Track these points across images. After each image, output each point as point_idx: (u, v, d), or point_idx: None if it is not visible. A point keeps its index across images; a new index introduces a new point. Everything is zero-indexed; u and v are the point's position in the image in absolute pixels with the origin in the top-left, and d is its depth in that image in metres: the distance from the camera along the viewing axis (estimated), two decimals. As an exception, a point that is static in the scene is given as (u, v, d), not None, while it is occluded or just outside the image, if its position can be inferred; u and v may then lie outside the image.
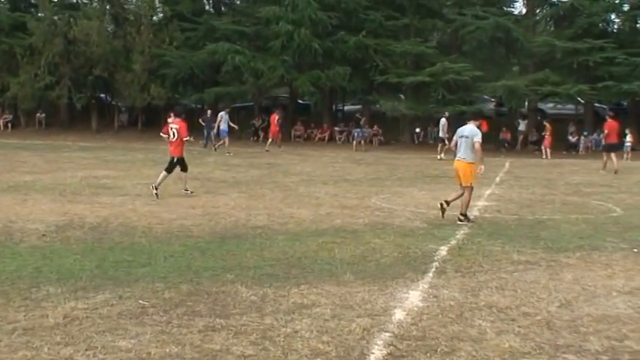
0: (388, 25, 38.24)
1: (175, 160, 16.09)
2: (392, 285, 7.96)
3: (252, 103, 43.65)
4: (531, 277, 8.50)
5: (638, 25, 40.31)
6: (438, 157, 29.24)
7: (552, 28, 40.91)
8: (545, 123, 34.03)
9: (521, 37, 36.49)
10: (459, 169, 13.07)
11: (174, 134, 16.09)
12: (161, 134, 17.99)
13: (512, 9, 42.19)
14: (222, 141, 30.76)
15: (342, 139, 39.59)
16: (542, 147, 33.00)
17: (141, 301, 7.15)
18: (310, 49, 36.65)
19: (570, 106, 41.36)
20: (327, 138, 39.81)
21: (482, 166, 12.99)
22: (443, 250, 10.01)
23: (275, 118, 33.15)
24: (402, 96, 40.46)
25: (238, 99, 43.49)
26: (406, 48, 36.98)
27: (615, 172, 23.28)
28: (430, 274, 8.56)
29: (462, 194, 12.93)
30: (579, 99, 38.85)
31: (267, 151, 30.94)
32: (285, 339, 6.07)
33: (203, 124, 33.99)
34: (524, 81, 35.61)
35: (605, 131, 25.31)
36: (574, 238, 11.18)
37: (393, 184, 19.61)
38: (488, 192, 17.66)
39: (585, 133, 36.74)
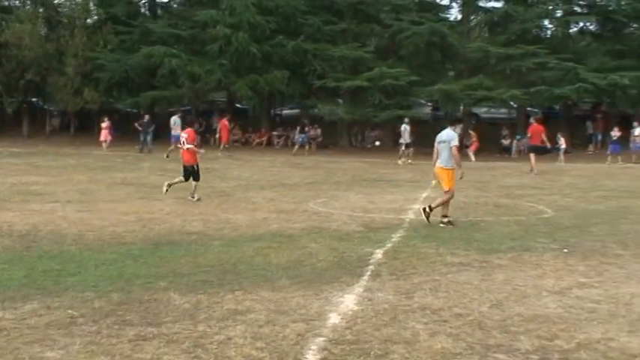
0: (326, 29, 38.40)
1: (191, 168, 16.42)
2: (327, 289, 7.97)
3: (189, 108, 43.32)
4: (464, 278, 8.61)
5: (570, 31, 41.25)
6: (399, 161, 29.45)
7: (487, 34, 41.60)
8: (470, 131, 34.64)
9: (456, 42, 37.05)
10: (438, 175, 13.43)
11: (183, 143, 16.64)
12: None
13: (448, 15, 42.65)
14: (172, 147, 28.52)
15: (281, 143, 39.57)
16: (468, 151, 33.46)
17: (70, 311, 7.01)
18: (248, 53, 36.56)
19: (504, 110, 42.08)
20: (265, 142, 39.72)
21: (462, 171, 13.35)
22: (378, 254, 10.06)
23: (225, 123, 32.97)
24: (340, 100, 40.63)
25: (175, 103, 43.03)
26: (344, 52, 37.15)
27: (531, 172, 24.55)
28: (365, 278, 8.59)
29: (447, 197, 13.19)
30: (512, 103, 39.54)
31: (220, 155, 30.69)
32: (218, 346, 6.02)
33: (140, 128, 33.61)
34: (459, 85, 36.10)
35: (529, 134, 26.76)
36: (506, 240, 11.36)
37: (330, 188, 19.67)
38: (424, 195, 17.86)
39: (518, 137, 37.39)
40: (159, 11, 45.00)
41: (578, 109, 43.04)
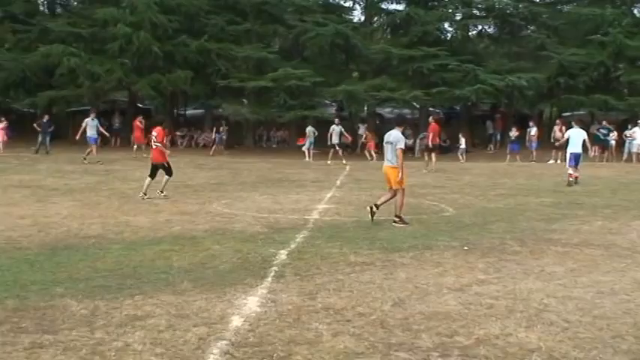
0: (230, 29, 38.21)
1: (157, 165, 16.96)
2: (230, 292, 7.88)
3: (89, 107, 42.31)
4: (367, 277, 8.66)
5: (469, 34, 42.24)
6: (329, 161, 29.58)
7: (389, 36, 42.19)
8: (366, 132, 35.18)
9: (359, 44, 37.49)
10: (387, 174, 13.59)
11: (153, 141, 17.05)
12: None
13: (351, 17, 43.17)
14: (89, 149, 27.51)
15: (184, 143, 39.11)
16: (366, 150, 33.86)
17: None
18: (150, 53, 36.04)
19: (407, 110, 42.76)
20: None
21: (401, 174, 13.32)
22: (282, 254, 10.03)
23: (137, 122, 32.36)
24: (244, 100, 40.49)
25: (74, 103, 42.10)
26: (248, 53, 37.05)
27: (428, 171, 25.39)
28: (269, 279, 8.54)
29: (392, 197, 13.36)
30: (415, 104, 40.21)
31: (134, 157, 30.20)
32: (116, 353, 5.87)
33: (39, 129, 32.61)
34: (363, 86, 36.53)
35: (428, 133, 27.67)
36: (408, 239, 11.49)
37: (234, 189, 19.53)
38: (328, 195, 17.93)
39: (421, 136, 38.01)
40: (58, 9, 43.84)
41: (478, 110, 44.18)
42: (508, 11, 39.50)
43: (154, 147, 17.13)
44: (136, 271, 8.91)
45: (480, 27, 42.41)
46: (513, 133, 33.23)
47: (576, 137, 21.63)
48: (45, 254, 9.95)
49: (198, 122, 42.90)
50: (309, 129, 33.09)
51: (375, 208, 13.25)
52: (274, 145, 40.06)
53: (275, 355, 5.88)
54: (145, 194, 16.59)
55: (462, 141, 34.04)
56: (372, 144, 33.66)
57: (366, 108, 40.86)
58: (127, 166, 25.94)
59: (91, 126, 28.24)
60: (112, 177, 21.95)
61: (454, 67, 35.80)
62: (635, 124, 32.70)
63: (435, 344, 6.22)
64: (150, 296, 7.65)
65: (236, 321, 6.80)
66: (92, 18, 37.59)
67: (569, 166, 21.29)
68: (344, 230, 12.46)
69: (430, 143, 27.13)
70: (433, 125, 27.54)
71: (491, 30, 42.86)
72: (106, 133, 31.35)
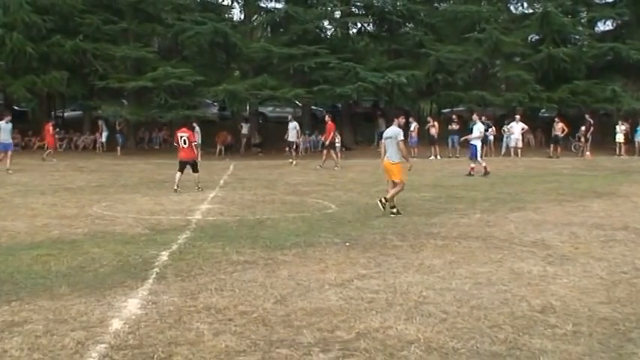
0: (106, 29, 37.33)
1: (189, 162, 19.08)
2: (110, 294, 7.76)
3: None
4: (249, 276, 8.68)
5: (349, 32, 42.75)
6: (293, 161, 29.34)
7: (269, 35, 42.21)
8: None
9: (239, 42, 37.33)
10: (387, 169, 14.47)
11: (184, 142, 18.92)
12: (175, 144, 20.05)
13: (230, 15, 42.96)
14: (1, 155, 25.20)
15: (64, 146, 38.04)
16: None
17: None
18: (24, 53, 34.83)
19: (289, 109, 42.95)
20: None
21: (410, 164, 14.62)
22: (164, 256, 9.93)
23: (49, 127, 31.59)
24: (124, 101, 39.74)
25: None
26: (126, 52, 36.34)
27: (336, 167, 26.39)
28: (150, 281, 8.45)
29: (399, 188, 14.28)
30: (297, 102, 40.43)
31: (43, 159, 29.83)
32: (-9, 360, 5.71)
33: None
34: (245, 85, 36.40)
35: (326, 132, 28.19)
36: (291, 236, 11.58)
37: (116, 191, 19.18)
38: (211, 195, 17.86)
39: (308, 132, 38.40)
40: None
41: (359, 107, 44.75)
42: (386, 9, 40.04)
43: (183, 146, 18.94)
44: (13, 277, 8.64)
45: (359, 25, 42.85)
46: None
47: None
48: None
49: (76, 124, 41.77)
50: (197, 129, 32.83)
51: (384, 201, 14.07)
52: (157, 146, 39.48)
53: (155, 356, 5.83)
54: (178, 187, 18.55)
55: (338, 138, 34.44)
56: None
57: (248, 107, 40.78)
58: (3, 171, 25.01)
59: (5, 130, 25.32)
60: (-14, 182, 21.16)
61: (335, 65, 36.13)
62: (513, 119, 34.00)
63: (317, 339, 6.29)
64: (27, 302, 7.44)
65: (116, 324, 6.70)
66: (-37, 19, 36.04)
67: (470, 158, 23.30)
68: (227, 230, 12.44)
69: (328, 141, 27.69)
70: (330, 124, 27.93)
71: (370, 28, 43.41)
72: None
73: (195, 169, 19.20)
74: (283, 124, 39.87)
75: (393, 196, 14.25)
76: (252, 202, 16.50)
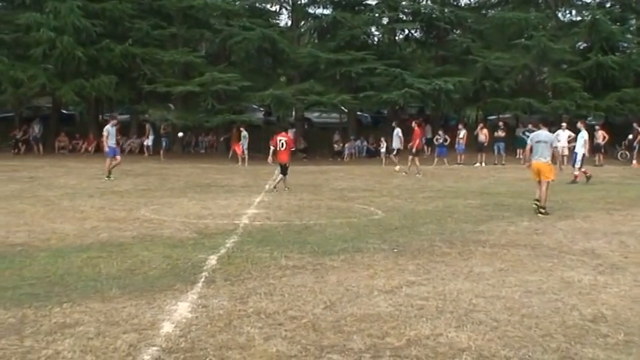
0: (155, 34, 37.75)
1: (285, 165, 20.43)
2: (160, 298, 7.79)
3: (12, 114, 41.40)
4: (298, 281, 8.66)
5: (396, 38, 42.67)
6: (396, 167, 28.68)
7: (316, 40, 42.31)
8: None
9: (286, 48, 37.47)
10: (540, 168, 15.34)
11: (282, 145, 20.29)
12: (271, 145, 20.94)
13: (278, 21, 43.16)
14: (110, 162, 24.53)
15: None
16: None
17: None
18: (74, 57, 35.34)
19: (335, 114, 42.98)
20: (93, 149, 38.44)
21: (563, 165, 16.28)
22: (212, 260, 9.94)
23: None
24: (171, 105, 40.11)
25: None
26: (174, 57, 36.70)
27: (418, 173, 26.04)
28: (199, 285, 8.46)
29: (547, 188, 15.23)
30: (343, 108, 40.43)
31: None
32: (45, 361, 5.76)
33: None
34: (291, 90, 36.53)
35: (413, 138, 27.31)
36: (338, 242, 11.53)
37: (163, 194, 19.32)
38: (258, 199, 17.90)
39: (353, 138, 38.41)
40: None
41: (404, 114, 44.58)
42: (434, 15, 39.96)
43: (281, 149, 20.28)
44: (64, 279, 8.72)
45: (406, 31, 42.82)
46: (441, 136, 33.72)
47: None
48: (-31, 263, 9.67)
49: (124, 128, 42.25)
50: (244, 133, 33.10)
51: (538, 202, 15.19)
52: (202, 151, 39.77)
53: (207, 359, 5.83)
54: (275, 188, 20.15)
55: (383, 145, 34.43)
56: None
57: (294, 112, 40.89)
58: (52, 173, 25.44)
59: (112, 135, 24.50)
60: (37, 184, 21.49)
61: (381, 71, 36.10)
62: (559, 127, 33.53)
63: (367, 346, 6.24)
64: (78, 304, 7.50)
65: (167, 327, 6.71)
66: (15, 23, 36.61)
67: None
68: (274, 234, 12.43)
69: (415, 148, 27.13)
70: (417, 130, 27.54)
71: (417, 34, 43.37)
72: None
73: (285, 172, 20.40)
74: (328, 129, 39.99)
75: (545, 198, 15.24)
76: (299, 207, 16.49)
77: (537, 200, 15.28)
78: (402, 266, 9.62)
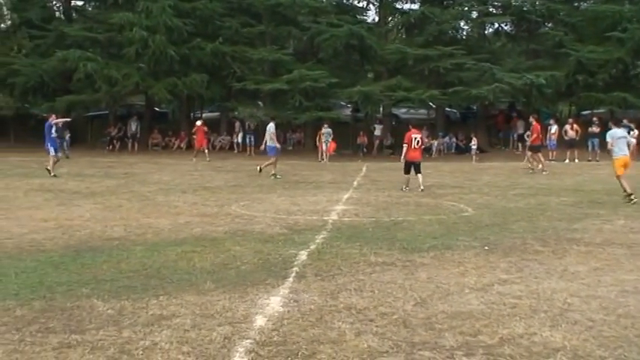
0: (244, 32, 38.27)
1: (416, 163, 19.60)
2: (252, 292, 7.92)
3: (106, 112, 42.63)
4: (388, 277, 8.67)
5: (485, 32, 42.08)
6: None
7: (404, 36, 42.12)
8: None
9: (374, 44, 37.35)
10: (627, 162, 16.72)
11: (417, 142, 19.63)
12: (404, 144, 20.04)
13: (365, 17, 43.06)
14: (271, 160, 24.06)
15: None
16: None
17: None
18: (166, 56, 36.13)
19: (423, 110, 42.68)
20: (185, 146, 39.26)
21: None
22: (303, 255, 10.05)
23: (202, 128, 33.18)
24: (260, 103, 40.57)
25: (92, 107, 42.42)
26: (263, 55, 37.12)
27: (543, 170, 25.41)
28: (290, 279, 8.57)
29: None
30: (431, 104, 40.13)
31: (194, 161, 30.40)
32: (143, 352, 5.92)
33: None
34: (379, 87, 36.46)
35: (532, 134, 26.76)
36: (428, 239, 11.49)
37: (253, 190, 19.59)
38: (346, 196, 17.96)
39: (441, 134, 38.14)
40: (74, 15, 44.03)
41: (494, 109, 43.94)
42: (525, 8, 39.19)
43: (415, 147, 19.60)
44: (160, 272, 8.97)
45: (496, 25, 42.13)
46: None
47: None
48: (69, 256, 10.02)
49: (214, 125, 43.00)
50: (327, 130, 33.26)
51: (631, 194, 16.11)
52: (290, 147, 40.13)
53: (300, 353, 5.91)
54: (407, 186, 19.29)
55: (474, 141, 34.05)
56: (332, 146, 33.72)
57: (381, 108, 40.80)
58: (146, 170, 26.10)
59: (271, 133, 24.17)
60: (132, 180, 22.09)
61: (470, 66, 35.63)
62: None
63: (459, 343, 6.22)
64: (174, 296, 7.70)
65: (260, 320, 6.83)
66: (108, 23, 37.72)
67: None
68: (363, 231, 12.47)
69: (531, 143, 26.79)
70: (535, 125, 26.82)
71: (507, 28, 42.63)
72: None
73: (419, 170, 19.58)
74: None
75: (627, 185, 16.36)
76: (387, 204, 16.49)
77: (630, 194, 16.09)
78: (493, 264, 9.52)
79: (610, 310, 7.29)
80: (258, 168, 23.95)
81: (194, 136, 33.62)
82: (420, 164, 19.72)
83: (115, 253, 10.28)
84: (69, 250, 10.56)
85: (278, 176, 23.27)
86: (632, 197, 16.05)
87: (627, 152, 16.94)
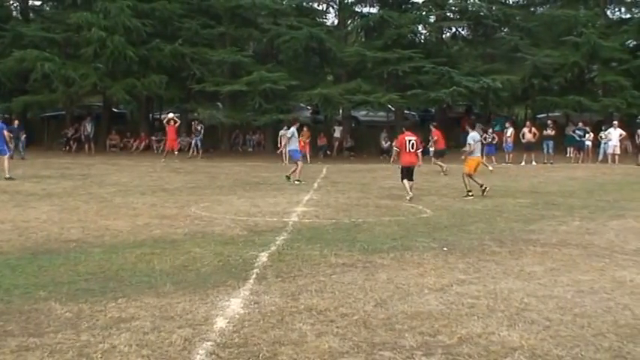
0: (204, 33, 38.03)
1: (412, 168, 18.24)
2: (213, 293, 7.93)
3: (63, 112, 42.10)
4: (348, 278, 8.73)
5: (443, 36, 42.40)
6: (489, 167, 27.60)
7: (363, 39, 42.19)
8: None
9: (333, 47, 37.41)
10: (480, 164, 18.13)
11: (412, 145, 18.15)
12: (395, 147, 19.28)
13: (325, 20, 43.08)
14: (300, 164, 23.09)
15: (160, 148, 38.93)
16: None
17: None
18: (124, 57, 35.73)
19: (382, 113, 42.84)
20: (143, 147, 38.94)
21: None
22: (263, 257, 10.08)
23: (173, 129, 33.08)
24: (219, 104, 40.40)
25: (48, 107, 41.86)
26: (222, 56, 36.94)
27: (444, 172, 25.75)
28: (251, 281, 8.59)
29: None
30: (390, 106, 40.32)
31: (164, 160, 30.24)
32: (102, 355, 5.90)
33: (10, 135, 32.29)
34: (338, 89, 36.48)
35: (435, 138, 27.78)
36: (388, 240, 11.59)
37: (212, 192, 19.51)
38: (306, 198, 18.00)
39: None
40: (31, 15, 43.37)
41: (452, 112, 44.29)
42: (481, 13, 39.55)
43: (410, 150, 18.16)
44: (118, 275, 8.92)
45: (453, 29, 42.58)
46: (489, 135, 33.43)
47: None
48: (26, 258, 9.92)
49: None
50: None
51: None
52: (250, 149, 40.04)
53: (261, 355, 5.93)
54: (410, 192, 17.86)
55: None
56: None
57: (341, 111, 40.88)
58: (104, 171, 25.85)
59: (296, 137, 23.73)
60: (90, 181, 21.85)
61: (429, 70, 35.85)
62: (610, 125, 33.04)
63: (419, 343, 6.29)
64: (133, 299, 7.67)
65: (220, 322, 6.84)
66: (66, 23, 37.17)
67: None
68: (323, 232, 12.52)
69: (437, 148, 27.37)
70: (435, 131, 27.71)
71: (464, 32, 43.07)
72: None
73: (411, 177, 18.27)
74: (376, 128, 39.93)
75: None
76: (347, 206, 16.55)
77: (469, 190, 18.07)
78: (451, 265, 9.65)
79: (566, 309, 7.44)
80: (292, 179, 22.31)
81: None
82: (413, 169, 18.36)
83: (72, 255, 10.20)
84: (26, 252, 10.45)
85: (303, 182, 22.07)
86: (472, 193, 17.99)
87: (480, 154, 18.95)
